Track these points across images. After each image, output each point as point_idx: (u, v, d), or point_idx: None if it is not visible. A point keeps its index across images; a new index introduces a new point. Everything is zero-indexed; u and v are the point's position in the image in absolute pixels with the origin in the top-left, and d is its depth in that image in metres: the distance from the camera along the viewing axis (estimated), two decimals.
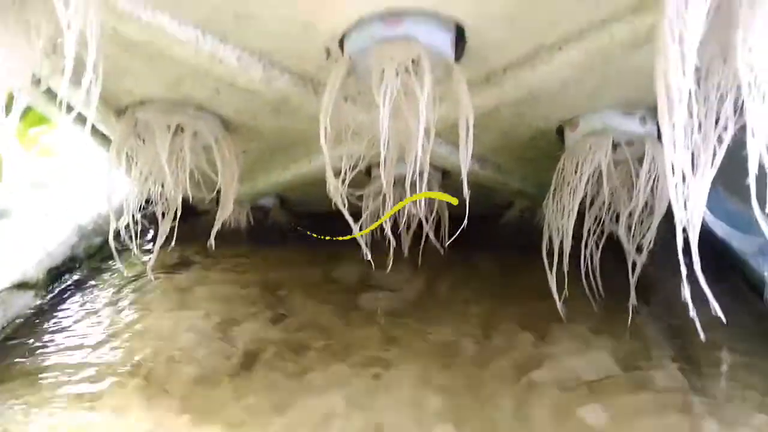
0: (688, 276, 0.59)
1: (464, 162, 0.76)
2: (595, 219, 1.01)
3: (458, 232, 0.89)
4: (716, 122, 0.63)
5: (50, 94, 0.76)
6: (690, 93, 0.58)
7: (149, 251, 1.17)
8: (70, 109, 0.60)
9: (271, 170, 1.12)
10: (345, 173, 0.72)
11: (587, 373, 0.85)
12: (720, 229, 1.18)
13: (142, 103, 0.83)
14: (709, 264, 0.59)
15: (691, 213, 0.60)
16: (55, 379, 0.82)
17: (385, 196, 0.80)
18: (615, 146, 0.92)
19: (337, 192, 0.71)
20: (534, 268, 0.94)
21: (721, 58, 0.61)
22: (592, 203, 0.99)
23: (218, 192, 0.97)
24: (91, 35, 0.51)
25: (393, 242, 0.95)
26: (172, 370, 0.84)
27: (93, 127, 0.93)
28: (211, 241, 0.96)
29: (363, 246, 0.87)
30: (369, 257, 0.83)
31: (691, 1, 0.51)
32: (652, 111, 0.88)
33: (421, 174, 0.73)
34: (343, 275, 1.19)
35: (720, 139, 0.62)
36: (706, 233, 1.18)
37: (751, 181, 0.54)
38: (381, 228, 1.23)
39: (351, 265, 1.20)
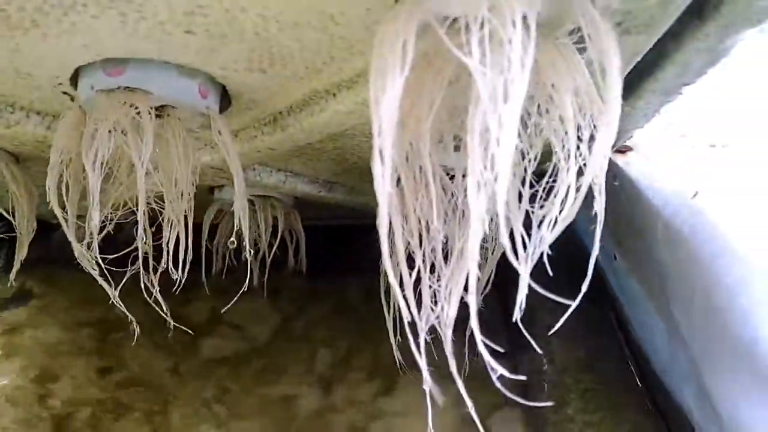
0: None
1: (240, 201, 0.69)
2: None
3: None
4: None
5: None
6: None
7: None
8: None
9: None
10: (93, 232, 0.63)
11: None
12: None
13: None
14: None
15: None
16: None
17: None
18: None
19: (82, 255, 0.63)
20: None
21: None
22: None
23: None
24: None
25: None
26: None
27: None
28: (12, 279, 0.88)
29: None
30: None
31: None
32: None
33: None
34: (192, 312, 1.11)
35: None
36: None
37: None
38: (232, 256, 1.15)
39: (204, 300, 1.11)
